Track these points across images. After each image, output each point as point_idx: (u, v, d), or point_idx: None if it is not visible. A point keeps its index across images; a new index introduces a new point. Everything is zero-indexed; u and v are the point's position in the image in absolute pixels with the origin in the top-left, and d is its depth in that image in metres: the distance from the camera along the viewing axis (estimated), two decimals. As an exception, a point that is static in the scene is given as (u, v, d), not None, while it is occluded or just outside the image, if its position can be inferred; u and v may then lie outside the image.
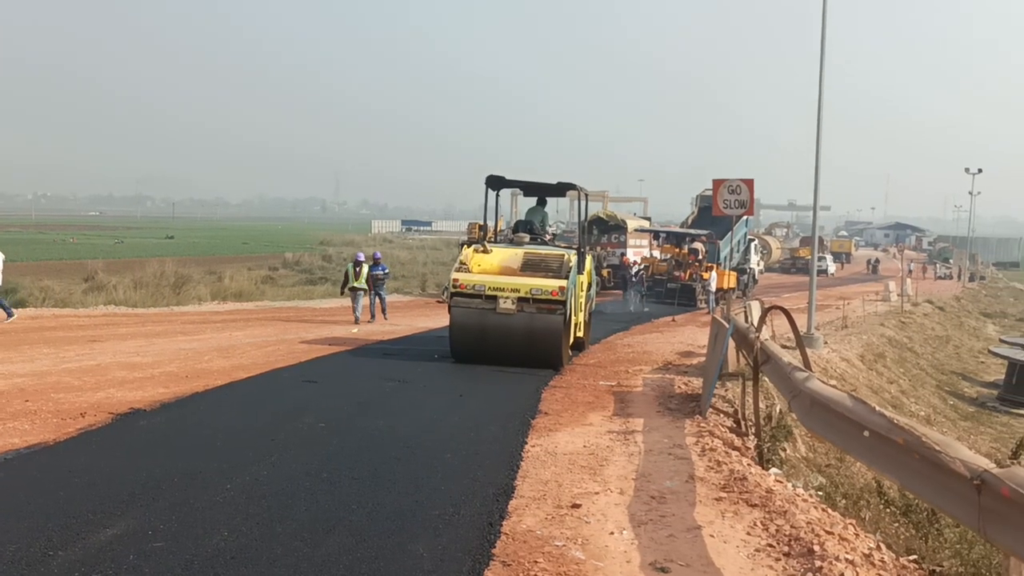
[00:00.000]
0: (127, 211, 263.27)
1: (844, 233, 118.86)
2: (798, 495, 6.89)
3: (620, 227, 37.67)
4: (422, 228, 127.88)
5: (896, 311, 33.21)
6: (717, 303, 26.89)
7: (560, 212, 74.47)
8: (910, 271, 57.05)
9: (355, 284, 20.50)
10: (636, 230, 38.69)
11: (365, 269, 20.51)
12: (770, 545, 5.55)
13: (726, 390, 11.61)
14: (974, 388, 26.20)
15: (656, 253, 36.13)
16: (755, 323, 13.47)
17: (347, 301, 28.37)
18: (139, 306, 23.37)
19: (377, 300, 21.32)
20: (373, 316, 21.12)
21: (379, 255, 22.34)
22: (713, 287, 27.78)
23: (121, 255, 51.80)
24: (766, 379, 9.49)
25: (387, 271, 22.11)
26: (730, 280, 31.44)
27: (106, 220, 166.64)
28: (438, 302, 29.26)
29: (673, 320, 24.90)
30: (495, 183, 14.91)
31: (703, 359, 14.38)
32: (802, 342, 9.01)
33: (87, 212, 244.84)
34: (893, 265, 64.98)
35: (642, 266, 33.07)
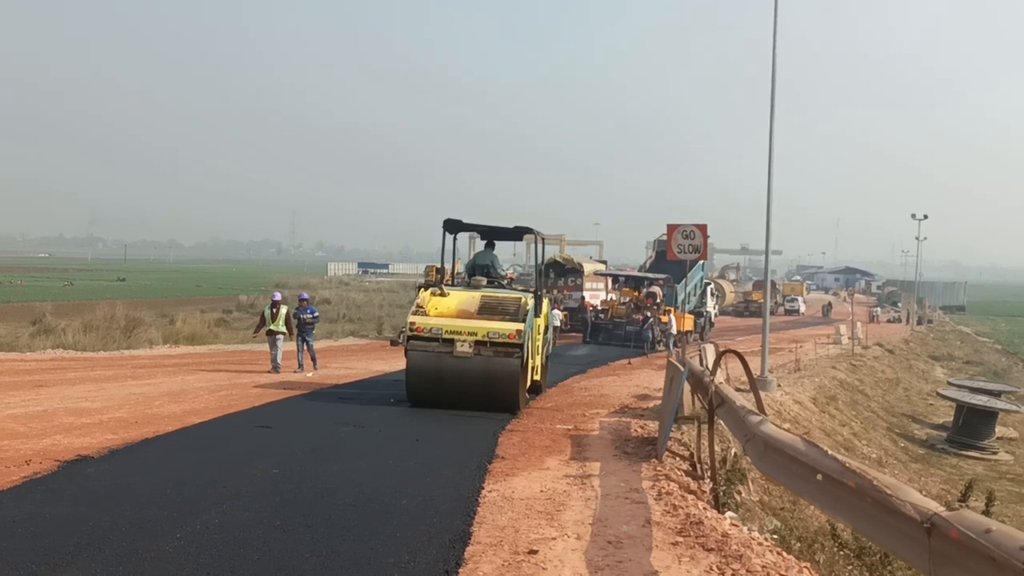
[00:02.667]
0: (78, 253, 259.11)
1: (797, 277, 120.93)
2: (754, 539, 6.93)
3: (577, 271, 37.93)
4: (379, 270, 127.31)
5: (847, 354, 33.74)
6: (675, 346, 27.10)
7: (517, 255, 74.88)
8: (872, 318, 58.74)
9: (272, 327, 18.58)
10: (596, 274, 39.03)
11: (283, 311, 18.61)
12: (726, 590, 5.56)
13: (681, 433, 11.66)
14: (924, 430, 26.61)
15: (613, 296, 36.46)
16: (710, 366, 13.61)
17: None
18: (88, 350, 22.93)
19: (305, 347, 19.22)
20: (301, 365, 18.99)
21: (306, 296, 20.29)
22: (674, 330, 28.04)
23: (71, 297, 50.81)
24: (721, 422, 9.56)
25: (316, 315, 19.96)
26: (686, 323, 31.78)
27: (56, 262, 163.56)
28: (392, 344, 29.07)
29: (629, 363, 25.02)
30: (452, 227, 14.97)
31: (659, 402, 14.46)
32: (756, 385, 9.11)
33: (36, 253, 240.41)
34: (843, 309, 66.22)
35: (601, 309, 33.39)
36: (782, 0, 18.21)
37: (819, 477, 4.92)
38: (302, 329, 19.01)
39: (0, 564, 5.37)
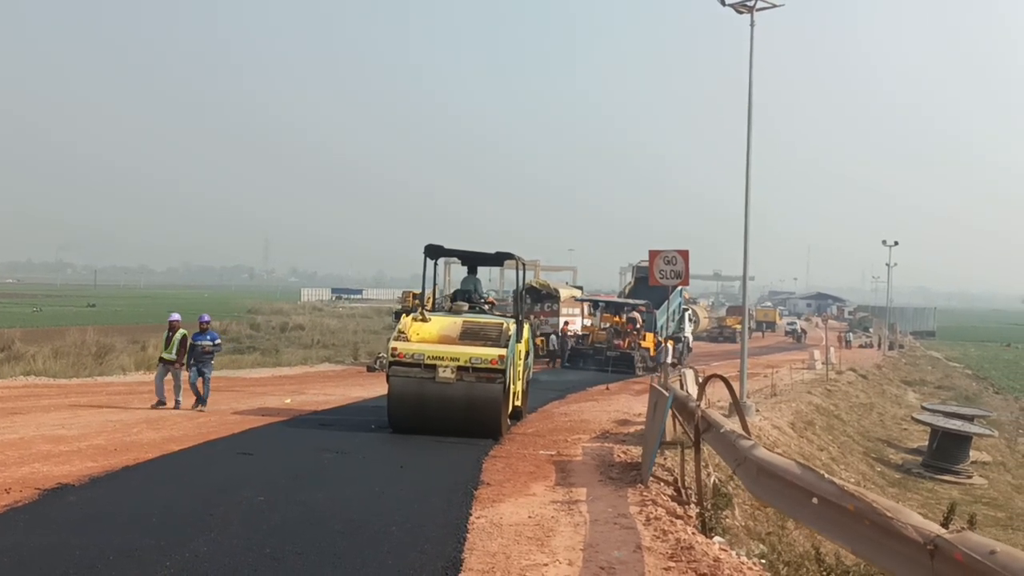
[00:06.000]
0: (46, 278, 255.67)
1: (768, 303, 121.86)
2: (743, 563, 6.95)
3: (553, 296, 38.01)
4: (352, 296, 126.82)
5: (821, 379, 34.00)
6: (657, 371, 27.07)
7: (492, 281, 74.87)
8: (847, 342, 59.40)
9: (164, 354, 15.99)
10: (576, 299, 39.16)
11: (178, 335, 15.83)
12: (721, 614, 5.57)
13: (664, 458, 11.68)
14: (899, 454, 26.82)
15: (588, 322, 36.57)
16: (690, 391, 13.68)
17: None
18: (60, 376, 22.58)
19: (200, 379, 15.94)
20: (198, 395, 15.84)
21: (207, 318, 16.68)
22: (668, 358, 26.63)
23: (39, 324, 50.11)
24: (707, 447, 9.60)
25: (218, 342, 16.80)
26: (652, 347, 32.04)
27: (24, 287, 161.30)
28: (368, 369, 28.96)
29: (607, 388, 25.05)
30: (433, 252, 14.99)
31: (640, 427, 14.50)
32: (741, 410, 9.17)
33: (3, 279, 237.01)
34: (816, 334, 66.80)
35: (581, 334, 33.54)
36: (758, 31, 18.47)
37: (815, 500, 4.95)
38: (199, 359, 15.87)
39: (-13, 595, 5.27)
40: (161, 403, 15.84)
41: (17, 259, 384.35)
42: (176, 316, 16.17)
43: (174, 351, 15.76)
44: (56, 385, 20.74)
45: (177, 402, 15.79)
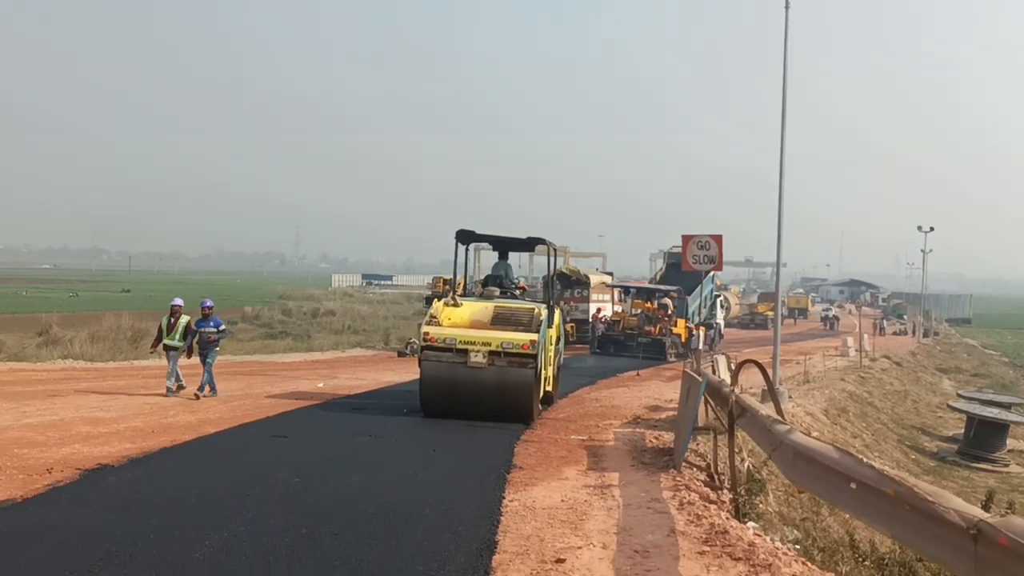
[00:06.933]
0: (82, 264, 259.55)
1: (800, 290, 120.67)
2: (778, 548, 6.91)
3: (583, 282, 37.93)
4: (383, 282, 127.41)
5: (855, 366, 33.66)
6: (688, 357, 27.02)
7: (521, 267, 74.86)
8: (882, 329, 58.34)
9: (167, 340, 15.34)
10: (608, 285, 39.06)
11: (182, 321, 15.31)
12: (757, 599, 5.55)
13: (697, 444, 11.63)
14: (934, 442, 26.53)
15: (618, 308, 36.48)
16: (723, 377, 13.60)
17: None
18: (96, 360, 22.92)
19: (204, 368, 15.38)
20: (202, 387, 15.16)
21: (210, 304, 15.87)
22: (700, 344, 27.46)
23: (76, 309, 50.90)
24: (738, 433, 9.54)
25: (222, 328, 15.91)
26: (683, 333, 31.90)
27: (60, 273, 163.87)
28: (399, 355, 29.14)
29: (638, 374, 24.98)
30: (464, 237, 14.98)
31: (672, 413, 14.44)
32: (776, 395, 9.12)
33: (40, 264, 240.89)
34: (849, 321, 66.10)
35: (612, 320, 33.49)
36: (794, 12, 18.20)
37: (853, 485, 4.91)
38: (202, 346, 15.33)
39: (32, 571, 5.37)
40: (181, 387, 15.42)
41: (54, 245, 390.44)
42: (179, 301, 15.59)
43: (177, 337, 15.23)
44: (93, 368, 21.07)
45: (201, 387, 15.17)
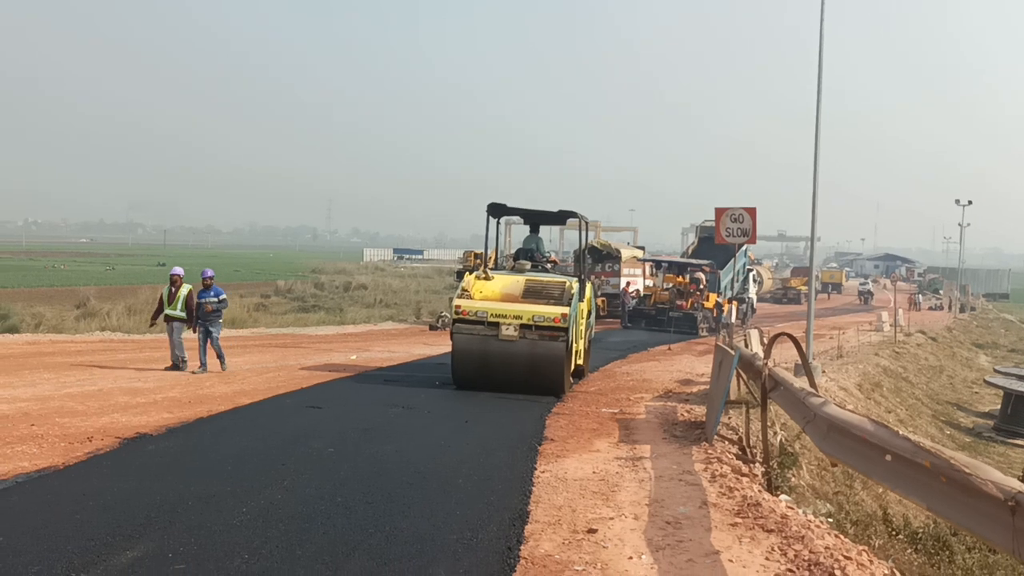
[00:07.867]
0: (118, 238, 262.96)
1: (834, 264, 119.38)
2: (811, 521, 6.89)
3: (613, 256, 37.81)
4: (414, 256, 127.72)
5: (889, 341, 33.32)
6: (721, 331, 26.95)
7: (552, 242, 74.77)
8: (917, 304, 57.42)
9: (169, 311, 14.93)
10: (639, 260, 38.92)
11: (183, 291, 14.91)
12: (790, 571, 5.54)
13: (728, 418, 11.60)
14: (970, 418, 26.25)
15: (649, 282, 36.36)
16: (756, 351, 13.52)
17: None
18: (133, 332, 23.26)
19: (208, 341, 15.02)
20: (203, 363, 14.81)
21: (210, 273, 15.37)
22: (733, 318, 27.62)
23: (112, 282, 51.59)
24: (771, 406, 9.50)
25: (223, 298, 15.29)
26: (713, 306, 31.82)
27: (97, 247, 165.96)
28: (430, 328, 29.28)
29: (669, 349, 24.92)
30: (496, 211, 14.96)
31: (703, 387, 14.41)
32: (810, 368, 9.06)
33: (77, 239, 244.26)
34: (884, 296, 65.39)
35: (644, 295, 33.53)
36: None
37: (888, 457, 4.88)
38: (204, 317, 14.89)
39: (76, 535, 5.50)
40: (176, 366, 14.94)
41: (90, 219, 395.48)
42: (179, 270, 15.35)
43: (179, 307, 14.84)
44: (131, 340, 21.38)
45: (202, 362, 14.84)
